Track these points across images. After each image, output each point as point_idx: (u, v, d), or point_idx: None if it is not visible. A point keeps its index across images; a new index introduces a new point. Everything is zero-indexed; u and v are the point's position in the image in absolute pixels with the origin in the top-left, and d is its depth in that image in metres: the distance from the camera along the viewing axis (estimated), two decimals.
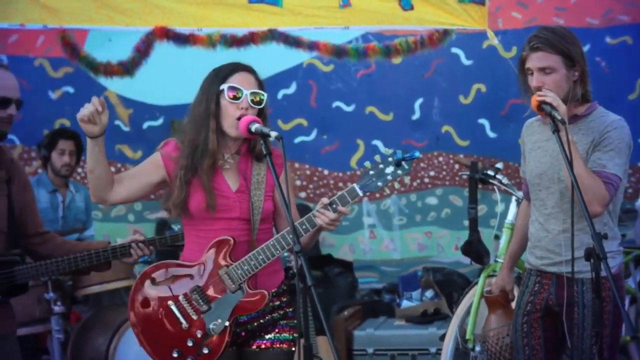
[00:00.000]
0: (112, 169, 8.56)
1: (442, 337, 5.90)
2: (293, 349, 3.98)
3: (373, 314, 7.63)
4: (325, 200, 3.73)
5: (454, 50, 8.16)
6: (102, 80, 8.12)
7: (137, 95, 8.57)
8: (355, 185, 3.74)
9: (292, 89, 8.47)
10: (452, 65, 8.27)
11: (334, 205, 3.71)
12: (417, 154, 3.74)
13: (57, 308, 5.86)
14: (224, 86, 3.85)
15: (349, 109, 8.49)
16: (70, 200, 7.08)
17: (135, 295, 3.90)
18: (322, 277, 7.71)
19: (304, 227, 3.75)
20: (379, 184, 3.72)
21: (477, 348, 5.45)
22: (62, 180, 7.04)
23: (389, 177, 3.72)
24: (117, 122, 8.67)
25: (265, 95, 3.91)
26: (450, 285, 7.76)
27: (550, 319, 4.19)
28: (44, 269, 4.13)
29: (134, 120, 8.68)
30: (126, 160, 8.66)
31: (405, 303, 7.51)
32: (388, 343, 7.05)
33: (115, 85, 8.28)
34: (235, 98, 3.83)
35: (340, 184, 8.51)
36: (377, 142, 8.45)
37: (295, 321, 4.01)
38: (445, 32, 5.76)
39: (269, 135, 3.64)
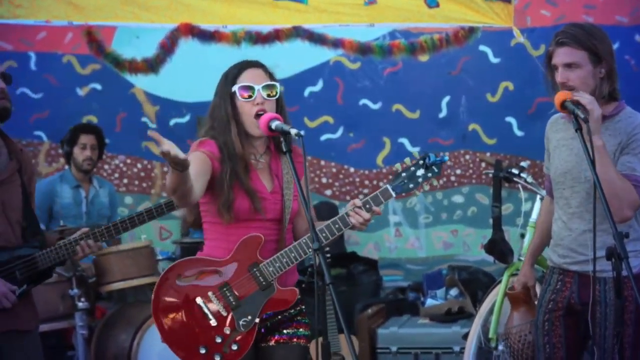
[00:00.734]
0: (139, 165, 8.67)
1: (465, 336, 5.87)
2: (308, 344, 4.00)
3: (397, 312, 7.61)
4: (357, 202, 3.75)
5: (482, 47, 8.10)
6: (130, 78, 8.17)
7: (164, 92, 8.59)
8: (388, 185, 3.80)
9: (318, 86, 8.45)
10: (479, 63, 8.22)
11: (368, 206, 3.75)
12: (446, 158, 3.86)
13: (81, 304, 5.87)
14: (235, 87, 3.85)
15: (376, 106, 8.47)
16: (94, 196, 7.09)
17: (160, 291, 3.85)
18: (347, 275, 7.70)
19: (336, 226, 3.75)
20: (411, 185, 3.81)
21: (500, 347, 5.42)
22: (84, 175, 7.04)
23: (420, 180, 3.81)
24: (143, 119, 8.70)
25: (278, 85, 3.90)
26: (476, 284, 7.74)
27: (572, 317, 4.16)
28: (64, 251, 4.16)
29: (161, 117, 8.70)
30: (153, 157, 8.68)
31: (429, 301, 7.48)
32: (412, 341, 7.02)
33: (142, 82, 8.31)
34: (248, 97, 3.83)
35: (366, 182, 8.49)
36: (404, 140, 8.42)
37: (308, 319, 4.02)
38: (471, 30, 5.75)
39: (289, 133, 3.62)
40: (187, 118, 8.66)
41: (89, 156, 6.98)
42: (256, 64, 3.94)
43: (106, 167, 8.63)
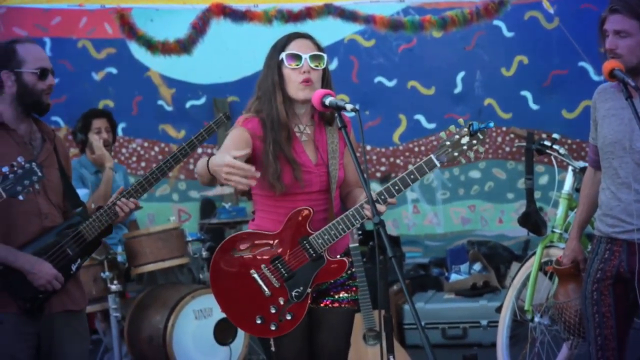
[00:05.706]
0: (156, 148, 8.67)
1: (499, 309, 5.87)
2: (356, 308, 4.08)
3: (421, 288, 7.65)
4: (373, 194, 3.70)
5: (496, 22, 8.08)
6: (145, 61, 8.20)
7: (180, 75, 8.59)
8: (432, 155, 3.74)
9: (333, 64, 8.44)
10: (493, 37, 8.24)
11: (382, 197, 3.75)
12: (491, 124, 3.76)
13: (114, 287, 5.89)
14: (283, 55, 3.88)
15: (391, 83, 8.49)
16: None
17: (217, 265, 3.91)
18: (370, 252, 7.71)
19: (382, 197, 3.76)
20: (455, 154, 3.74)
21: (537, 319, 5.42)
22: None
23: (465, 147, 3.74)
24: (160, 102, 8.70)
25: (325, 57, 3.92)
26: (496, 258, 7.78)
27: (621, 286, 4.14)
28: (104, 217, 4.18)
29: (177, 100, 8.70)
30: (170, 140, 8.69)
31: (454, 276, 7.52)
32: (439, 316, 7.08)
33: (158, 65, 8.32)
34: (295, 65, 3.85)
35: (383, 159, 8.51)
36: (420, 117, 8.44)
37: (357, 282, 4.11)
38: (501, 3, 5.74)
39: (344, 108, 3.63)
40: (203, 100, 8.66)
41: (105, 139, 6.89)
42: (304, 35, 3.97)
43: (124, 150, 8.63)
